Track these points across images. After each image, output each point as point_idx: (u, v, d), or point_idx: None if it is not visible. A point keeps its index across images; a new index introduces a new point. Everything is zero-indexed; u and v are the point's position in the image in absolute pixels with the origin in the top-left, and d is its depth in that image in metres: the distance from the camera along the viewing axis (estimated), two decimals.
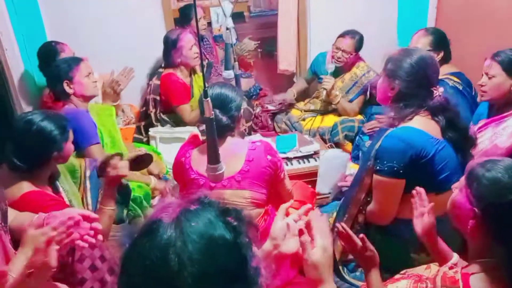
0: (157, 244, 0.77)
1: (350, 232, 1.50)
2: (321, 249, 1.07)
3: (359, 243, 1.46)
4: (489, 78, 2.08)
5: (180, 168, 1.87)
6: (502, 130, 2.02)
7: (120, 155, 1.91)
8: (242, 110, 1.84)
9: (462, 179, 1.22)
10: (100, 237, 1.38)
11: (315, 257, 1.05)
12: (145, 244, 0.78)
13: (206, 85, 1.29)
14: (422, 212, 1.47)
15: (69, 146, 1.82)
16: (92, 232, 1.36)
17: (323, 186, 2.42)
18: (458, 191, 1.24)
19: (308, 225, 1.16)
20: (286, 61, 3.70)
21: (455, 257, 1.40)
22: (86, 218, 1.36)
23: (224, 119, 1.75)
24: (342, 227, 1.51)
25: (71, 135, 1.83)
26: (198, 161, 1.80)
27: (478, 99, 2.24)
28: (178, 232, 0.77)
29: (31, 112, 1.79)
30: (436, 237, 1.45)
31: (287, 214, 1.22)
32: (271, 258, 1.18)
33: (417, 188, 1.53)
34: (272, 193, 1.93)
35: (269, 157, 1.80)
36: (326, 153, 2.54)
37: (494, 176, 1.12)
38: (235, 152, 1.80)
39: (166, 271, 0.75)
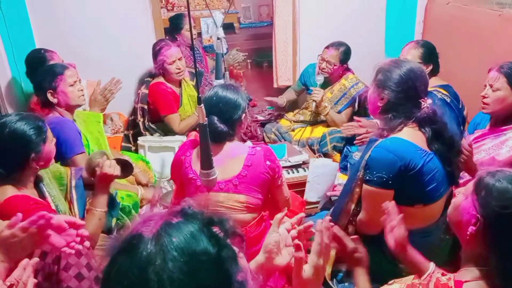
0: (136, 261, 0.73)
1: (342, 233, 1.55)
2: (312, 267, 1.05)
3: (350, 244, 1.51)
4: (493, 90, 2.05)
5: (179, 166, 1.83)
6: (501, 143, 2.01)
7: (104, 153, 1.88)
8: (245, 114, 1.80)
9: (469, 185, 1.23)
10: (87, 243, 1.34)
11: (306, 275, 1.04)
12: (124, 261, 0.74)
13: (200, 94, 1.28)
14: (392, 226, 1.47)
15: (49, 148, 1.75)
16: (78, 239, 1.31)
17: (312, 194, 2.42)
18: (462, 196, 1.24)
19: (300, 235, 1.16)
20: (284, 76, 3.83)
21: (431, 267, 1.38)
22: (72, 225, 1.31)
23: (222, 126, 1.73)
24: (336, 229, 1.55)
25: (50, 137, 1.77)
26: (197, 162, 1.75)
27: (484, 111, 2.18)
28: (158, 248, 0.73)
29: (6, 114, 1.73)
30: (407, 249, 1.46)
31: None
32: (263, 270, 1.17)
33: (386, 202, 1.53)
34: (269, 199, 1.90)
35: (268, 162, 1.78)
36: (316, 161, 2.55)
37: (504, 186, 1.13)
38: (234, 155, 1.78)
39: None
